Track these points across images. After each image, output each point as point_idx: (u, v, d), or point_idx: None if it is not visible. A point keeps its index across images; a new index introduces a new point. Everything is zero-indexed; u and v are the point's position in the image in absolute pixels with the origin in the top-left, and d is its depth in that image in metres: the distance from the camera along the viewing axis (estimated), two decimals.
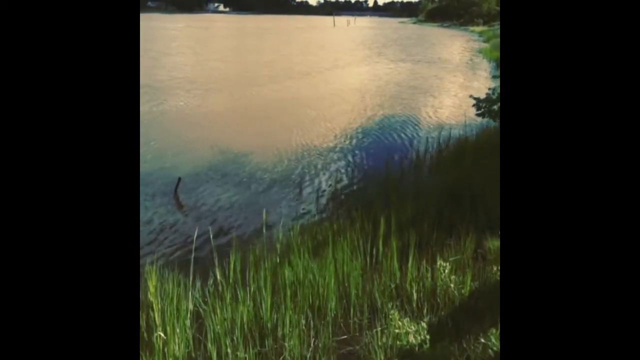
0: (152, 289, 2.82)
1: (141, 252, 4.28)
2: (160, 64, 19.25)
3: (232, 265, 3.31)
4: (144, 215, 5.13)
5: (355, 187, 6.26)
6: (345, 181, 6.51)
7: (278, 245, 3.76)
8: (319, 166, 7.07)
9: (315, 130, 9.26)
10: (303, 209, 5.53)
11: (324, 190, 6.12)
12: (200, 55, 23.68)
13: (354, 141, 8.57)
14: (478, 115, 7.14)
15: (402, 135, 9.11)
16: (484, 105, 7.00)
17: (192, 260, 3.43)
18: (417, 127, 9.72)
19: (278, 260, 3.51)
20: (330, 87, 14.88)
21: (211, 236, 4.18)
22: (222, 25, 54.24)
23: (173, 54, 23.57)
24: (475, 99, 7.13)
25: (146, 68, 16.97)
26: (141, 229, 4.79)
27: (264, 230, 4.23)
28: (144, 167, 6.54)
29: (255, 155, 7.45)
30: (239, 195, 5.89)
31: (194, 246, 4.04)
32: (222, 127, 9.47)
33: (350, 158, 7.54)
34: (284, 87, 14.33)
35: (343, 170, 6.93)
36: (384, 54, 25.94)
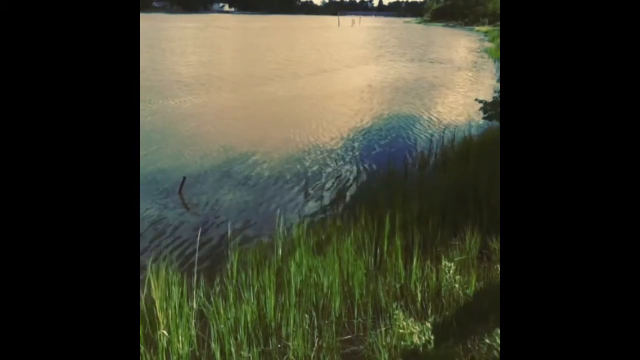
0: (156, 288, 2.82)
1: (145, 251, 4.29)
2: (183, 60, 20.01)
3: (235, 265, 3.30)
4: (148, 214, 5.14)
5: (367, 185, 6.23)
6: (360, 179, 6.51)
7: (282, 245, 3.76)
8: (341, 162, 7.10)
9: (343, 125, 9.57)
10: (309, 207, 5.53)
11: (331, 189, 6.11)
12: (220, 54, 24.31)
13: (376, 138, 8.73)
14: (485, 118, 7.11)
15: (428, 132, 9.30)
16: (490, 108, 6.97)
17: (196, 259, 3.44)
18: (444, 124, 9.92)
19: (282, 260, 3.51)
20: (352, 83, 15.17)
21: (229, 233, 4.18)
22: (234, 25, 54.72)
23: (197, 52, 24.30)
24: (481, 102, 7.09)
25: (172, 64, 17.53)
26: (145, 228, 4.81)
27: (277, 228, 4.22)
28: (157, 164, 6.58)
29: (274, 151, 7.67)
30: (247, 194, 5.90)
31: (197, 246, 4.05)
32: (245, 121, 9.87)
33: (369, 156, 7.60)
34: (306, 83, 14.83)
35: (358, 168, 6.93)
36: (397, 54, 26.03)
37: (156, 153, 7.33)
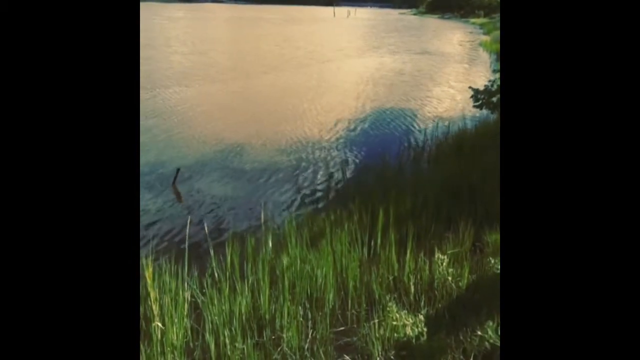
0: (149, 280, 2.82)
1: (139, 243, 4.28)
2: (197, 50, 20.67)
3: (229, 257, 3.31)
4: (141, 206, 5.12)
5: (363, 177, 6.23)
6: (353, 169, 6.51)
7: (276, 237, 3.76)
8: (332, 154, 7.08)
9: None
10: (303, 199, 5.53)
11: (325, 181, 6.11)
12: (230, 44, 24.45)
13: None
14: (476, 106, 7.10)
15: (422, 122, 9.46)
16: (482, 97, 6.96)
17: (188, 251, 3.43)
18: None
19: (276, 252, 3.51)
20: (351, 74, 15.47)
21: (232, 226, 4.16)
22: (238, 15, 54.49)
23: (206, 42, 24.58)
24: (473, 90, 7.07)
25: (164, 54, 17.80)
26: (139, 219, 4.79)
27: (262, 222, 4.23)
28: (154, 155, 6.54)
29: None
30: (240, 186, 5.89)
31: (187, 238, 4.04)
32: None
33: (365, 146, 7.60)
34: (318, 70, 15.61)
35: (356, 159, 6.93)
36: (402, 46, 26.03)
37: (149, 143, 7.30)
